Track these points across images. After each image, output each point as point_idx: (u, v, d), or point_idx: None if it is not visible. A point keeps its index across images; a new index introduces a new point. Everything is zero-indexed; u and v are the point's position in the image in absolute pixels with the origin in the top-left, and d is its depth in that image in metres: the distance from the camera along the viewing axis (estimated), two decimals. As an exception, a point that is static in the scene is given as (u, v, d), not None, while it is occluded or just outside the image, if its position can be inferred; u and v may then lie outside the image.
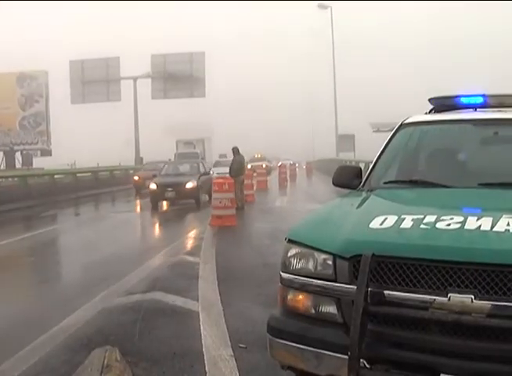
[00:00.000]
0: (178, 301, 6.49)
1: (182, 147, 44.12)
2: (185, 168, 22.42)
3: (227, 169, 30.10)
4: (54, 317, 6.03)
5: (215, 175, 30.08)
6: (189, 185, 19.71)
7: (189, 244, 11.35)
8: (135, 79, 45.36)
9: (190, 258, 9.33)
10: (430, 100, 4.78)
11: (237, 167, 17.94)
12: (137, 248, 11.63)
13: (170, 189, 19.57)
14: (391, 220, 3.01)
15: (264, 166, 41.85)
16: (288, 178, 34.95)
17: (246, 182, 19.04)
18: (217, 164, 33.69)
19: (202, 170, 21.86)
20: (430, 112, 4.80)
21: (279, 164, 45.40)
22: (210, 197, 19.11)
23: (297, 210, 15.87)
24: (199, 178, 20.39)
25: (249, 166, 35.26)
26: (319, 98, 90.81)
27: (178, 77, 44.63)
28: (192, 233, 12.86)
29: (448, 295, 2.60)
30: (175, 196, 19.76)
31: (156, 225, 16.40)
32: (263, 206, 19.26)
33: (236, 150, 18.49)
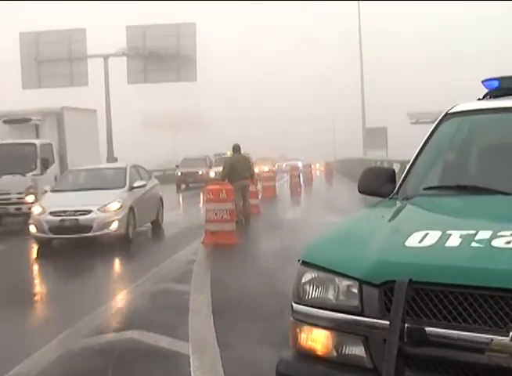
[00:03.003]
0: (162, 341, 6.49)
1: None
2: None
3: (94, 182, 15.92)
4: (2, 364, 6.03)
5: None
6: None
7: (177, 268, 11.34)
8: (105, 57, 45.14)
9: (178, 286, 9.34)
10: (484, 82, 4.74)
11: (231, 169, 17.31)
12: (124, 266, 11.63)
13: None
14: (434, 237, 3.01)
15: None
16: (302, 183, 34.99)
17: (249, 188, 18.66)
18: (79, 176, 17.45)
19: None
20: (484, 98, 4.76)
21: (284, 165, 44.72)
22: None
23: (313, 224, 15.86)
24: None
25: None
26: (340, 85, 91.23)
27: (161, 56, 44.42)
28: (181, 255, 12.86)
29: (510, 334, 2.59)
30: None
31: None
32: (270, 219, 19.27)
33: (236, 149, 18.45)
